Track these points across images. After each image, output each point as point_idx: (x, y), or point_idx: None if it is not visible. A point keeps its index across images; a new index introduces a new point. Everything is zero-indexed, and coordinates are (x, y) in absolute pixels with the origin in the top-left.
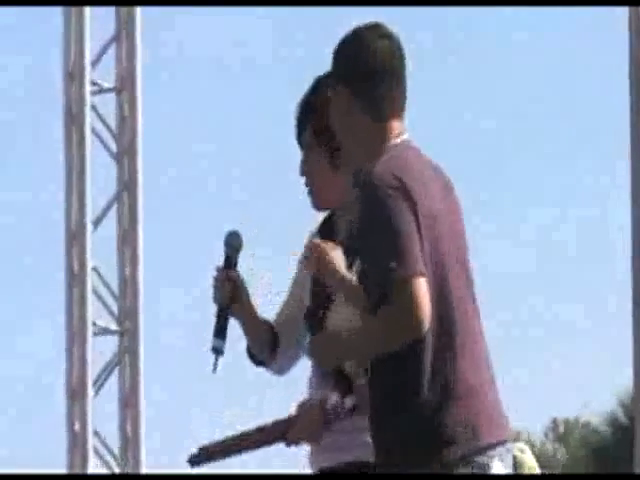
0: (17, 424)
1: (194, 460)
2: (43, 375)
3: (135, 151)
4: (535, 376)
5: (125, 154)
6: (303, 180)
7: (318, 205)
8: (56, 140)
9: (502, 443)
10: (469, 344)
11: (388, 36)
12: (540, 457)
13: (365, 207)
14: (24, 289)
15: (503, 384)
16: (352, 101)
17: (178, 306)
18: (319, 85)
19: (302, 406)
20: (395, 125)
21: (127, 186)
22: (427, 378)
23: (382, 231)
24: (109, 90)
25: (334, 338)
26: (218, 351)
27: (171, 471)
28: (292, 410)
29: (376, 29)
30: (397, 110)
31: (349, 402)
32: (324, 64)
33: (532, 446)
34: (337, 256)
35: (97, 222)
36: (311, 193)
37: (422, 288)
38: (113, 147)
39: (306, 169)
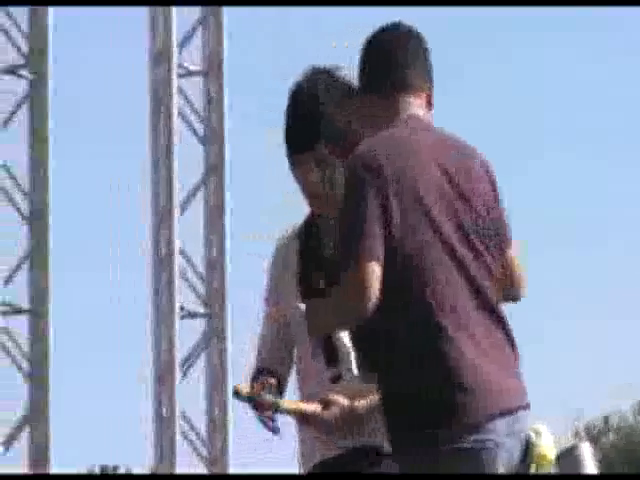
0: (105, 409)
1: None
2: (131, 358)
3: (222, 134)
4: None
5: (212, 137)
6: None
7: (320, 212)
8: (142, 123)
9: (509, 412)
10: (466, 313)
11: (392, 29)
12: (632, 434)
13: (343, 188)
14: (111, 272)
15: (596, 366)
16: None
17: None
18: (320, 95)
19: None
20: (402, 101)
21: (214, 169)
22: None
23: (345, 213)
24: (196, 73)
25: (312, 308)
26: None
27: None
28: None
29: (383, 30)
30: (412, 84)
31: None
32: None
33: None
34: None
35: (184, 205)
36: (315, 203)
37: (368, 272)
38: (200, 130)
39: (322, 181)
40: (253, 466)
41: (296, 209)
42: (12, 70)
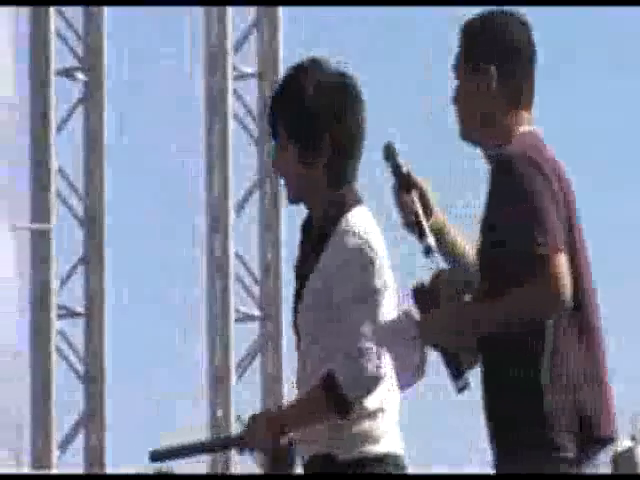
0: (160, 411)
1: (155, 457)
2: (186, 361)
3: None
4: None
5: (267, 139)
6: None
7: (291, 198)
8: (198, 125)
9: (613, 439)
10: (592, 328)
11: (526, 24)
12: None
13: (505, 186)
14: (166, 274)
15: None
16: (494, 81)
17: None
18: (292, 79)
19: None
20: (526, 115)
21: (269, 171)
22: (548, 362)
23: (526, 207)
24: (251, 75)
25: (465, 311)
26: (429, 250)
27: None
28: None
29: (514, 16)
30: (530, 100)
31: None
32: None
33: None
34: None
35: (239, 208)
36: (285, 186)
37: (565, 264)
38: (255, 132)
39: (278, 164)
40: None
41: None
42: (67, 72)
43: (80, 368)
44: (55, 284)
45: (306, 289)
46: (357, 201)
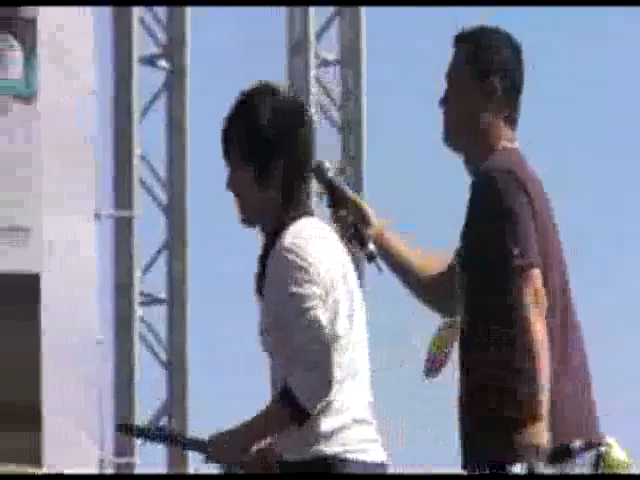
0: (243, 398)
1: (120, 429)
2: None
3: (360, 124)
4: None
5: (349, 127)
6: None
7: (245, 221)
8: None
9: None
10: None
11: (519, 46)
12: None
13: (486, 199)
14: (249, 261)
15: None
16: (497, 93)
17: None
18: (246, 103)
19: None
20: (510, 132)
21: (352, 159)
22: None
23: (506, 220)
24: (333, 62)
25: None
26: (371, 257)
27: None
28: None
29: (505, 34)
30: (516, 118)
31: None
32: None
33: None
34: None
35: (322, 194)
36: (239, 208)
37: (539, 278)
38: (337, 119)
39: (233, 186)
40: None
41: (436, 199)
42: (150, 61)
43: (163, 355)
44: (138, 271)
45: (261, 306)
46: (304, 213)
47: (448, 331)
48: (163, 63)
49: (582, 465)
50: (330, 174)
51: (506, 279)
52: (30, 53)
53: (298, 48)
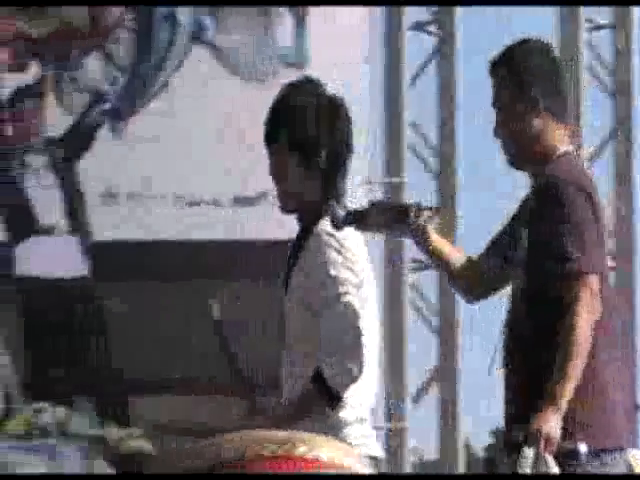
0: None
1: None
2: None
3: (630, 87)
4: None
5: (621, 91)
6: (273, 182)
7: (286, 209)
8: None
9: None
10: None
11: (545, 49)
12: None
13: (553, 207)
14: None
15: None
16: (541, 100)
17: None
18: (293, 91)
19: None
20: (563, 130)
21: (622, 123)
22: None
23: (572, 228)
24: (604, 27)
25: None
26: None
27: None
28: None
29: (532, 43)
30: (571, 116)
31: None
32: None
33: None
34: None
35: (593, 160)
36: (281, 196)
37: (596, 285)
38: (608, 84)
39: (278, 173)
40: None
41: None
42: (420, 26)
43: (433, 321)
44: None
45: (289, 289)
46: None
47: None
48: (433, 29)
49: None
50: (343, 220)
51: (565, 284)
52: (301, 21)
53: (569, 13)
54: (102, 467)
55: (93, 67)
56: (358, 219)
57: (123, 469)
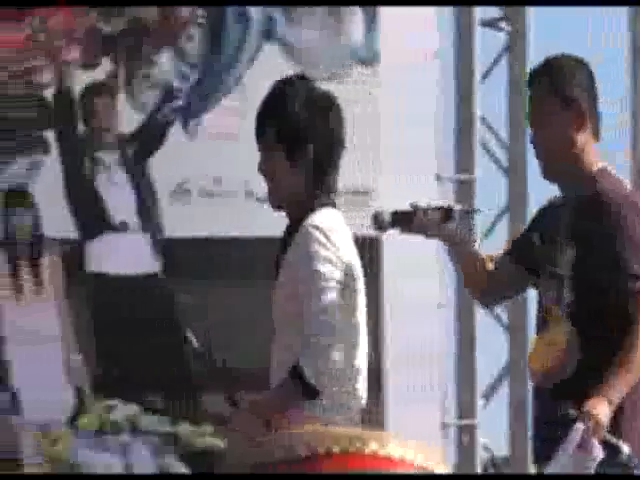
0: None
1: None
2: None
3: None
4: None
5: None
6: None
7: (275, 203)
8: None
9: None
10: None
11: (585, 64)
12: None
13: (615, 222)
14: None
15: None
16: (587, 116)
17: None
18: (283, 87)
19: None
20: (595, 148)
21: None
22: None
23: (630, 244)
24: None
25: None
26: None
27: None
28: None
29: (574, 57)
30: (599, 132)
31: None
32: None
33: None
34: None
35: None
36: (270, 191)
37: None
38: None
39: (266, 168)
40: None
41: None
42: (491, 23)
43: (504, 317)
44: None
45: (277, 283)
46: (328, 204)
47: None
48: (504, 25)
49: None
50: (388, 222)
51: (626, 301)
52: (371, 17)
53: None
54: (173, 464)
55: (165, 64)
56: (403, 222)
57: (194, 466)
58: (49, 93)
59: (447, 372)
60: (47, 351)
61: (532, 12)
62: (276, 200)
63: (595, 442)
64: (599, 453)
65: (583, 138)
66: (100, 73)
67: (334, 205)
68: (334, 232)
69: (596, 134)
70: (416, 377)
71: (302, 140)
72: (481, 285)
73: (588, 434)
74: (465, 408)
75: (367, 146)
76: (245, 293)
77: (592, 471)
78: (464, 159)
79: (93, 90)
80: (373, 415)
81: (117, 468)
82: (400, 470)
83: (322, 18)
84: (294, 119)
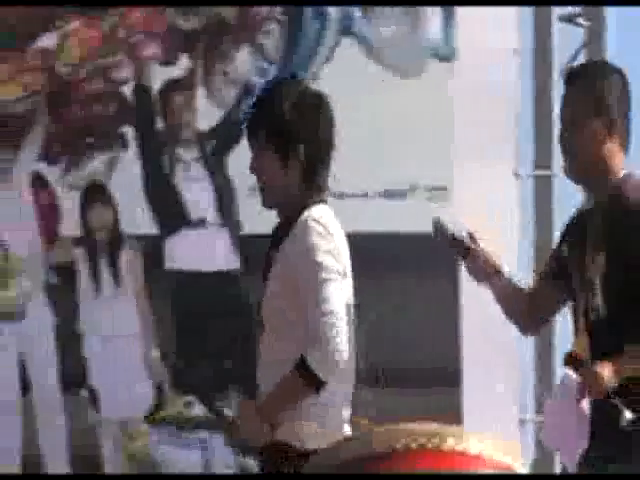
0: None
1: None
2: None
3: None
4: None
5: None
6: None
7: (267, 203)
8: None
9: None
10: None
11: (619, 71)
12: None
13: None
14: None
15: None
16: (612, 127)
17: None
18: (275, 88)
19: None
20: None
21: None
22: None
23: None
24: None
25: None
26: None
27: None
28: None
29: (608, 64)
30: (628, 141)
31: None
32: None
33: None
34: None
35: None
36: (262, 191)
37: None
38: None
39: (258, 167)
40: None
41: None
42: (569, 18)
43: None
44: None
45: (271, 275)
46: (322, 201)
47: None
48: (582, 21)
49: None
50: (448, 229)
51: None
52: (449, 13)
53: None
54: (252, 460)
55: (243, 60)
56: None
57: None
58: (128, 90)
59: (525, 368)
60: (126, 347)
61: (610, 8)
62: (268, 199)
63: (586, 400)
64: (585, 412)
65: (611, 146)
66: (179, 70)
67: (326, 202)
68: (331, 226)
69: (624, 146)
70: (493, 373)
71: (293, 141)
72: (521, 313)
73: (584, 389)
74: (543, 404)
75: (443, 143)
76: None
77: (574, 429)
78: (542, 156)
79: (172, 87)
80: (450, 411)
81: (196, 465)
82: (477, 466)
83: (399, 15)
84: (285, 120)
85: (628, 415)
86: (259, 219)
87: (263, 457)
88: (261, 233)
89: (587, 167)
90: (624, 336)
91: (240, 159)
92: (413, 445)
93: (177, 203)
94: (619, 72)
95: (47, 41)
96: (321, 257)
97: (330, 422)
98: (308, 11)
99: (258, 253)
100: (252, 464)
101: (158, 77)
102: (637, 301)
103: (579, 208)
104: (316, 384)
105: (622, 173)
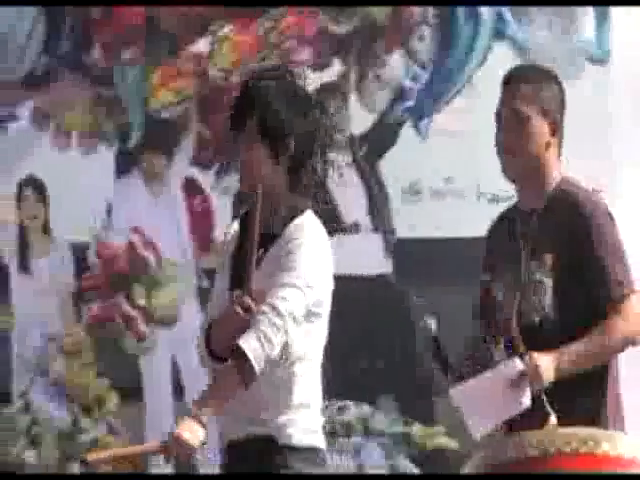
0: None
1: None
2: None
3: None
4: None
5: None
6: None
7: (245, 186)
8: None
9: None
10: None
11: (555, 75)
12: None
13: (598, 229)
14: None
15: None
16: (555, 130)
17: None
18: (264, 77)
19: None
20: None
21: None
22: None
23: (613, 250)
24: None
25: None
26: None
27: None
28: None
29: (547, 69)
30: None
31: None
32: None
33: None
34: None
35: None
36: (244, 180)
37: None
38: None
39: (246, 160)
40: None
41: None
42: None
43: None
44: None
45: (262, 272)
46: (308, 206)
47: None
48: None
49: None
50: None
51: (617, 306)
52: (602, 12)
53: None
54: (405, 465)
55: (396, 64)
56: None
57: (425, 467)
58: None
59: None
60: None
61: None
62: (247, 182)
63: (527, 389)
64: (526, 402)
65: (553, 148)
66: (331, 74)
67: (309, 206)
68: (318, 234)
69: (559, 148)
70: None
71: (283, 132)
72: None
73: (523, 378)
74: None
75: (602, 146)
76: (475, 293)
77: (508, 415)
78: None
79: (324, 91)
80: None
81: (349, 469)
82: (631, 470)
83: (552, 17)
84: (275, 111)
85: (554, 419)
86: (412, 223)
87: (247, 452)
88: (414, 237)
89: (528, 166)
90: (575, 335)
91: (393, 163)
92: (567, 449)
93: (330, 208)
94: (556, 77)
95: (200, 46)
96: (298, 263)
97: (314, 418)
98: (460, 13)
99: (410, 257)
100: (405, 466)
101: (311, 82)
102: (587, 301)
103: (504, 211)
104: (248, 376)
105: (560, 175)
